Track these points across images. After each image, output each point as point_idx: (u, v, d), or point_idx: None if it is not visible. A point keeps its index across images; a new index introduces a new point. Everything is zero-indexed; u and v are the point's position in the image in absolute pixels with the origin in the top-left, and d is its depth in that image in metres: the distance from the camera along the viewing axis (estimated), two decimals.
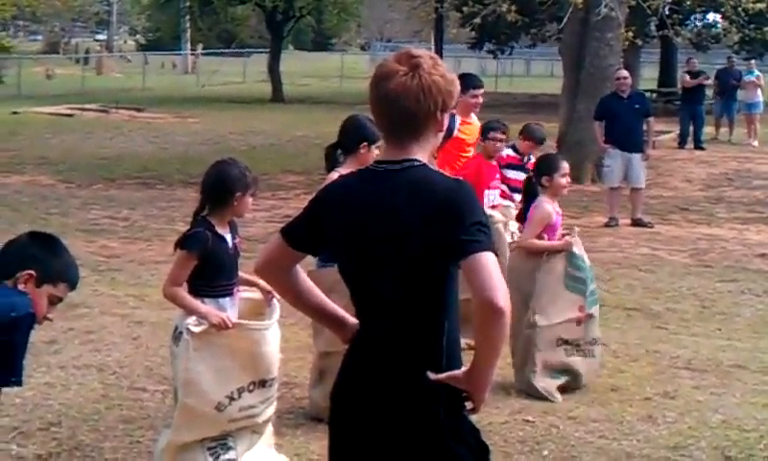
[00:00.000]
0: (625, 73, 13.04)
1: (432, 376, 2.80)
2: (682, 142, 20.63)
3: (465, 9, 22.85)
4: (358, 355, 2.97)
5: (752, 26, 24.01)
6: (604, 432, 5.59)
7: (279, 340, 4.75)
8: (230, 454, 4.69)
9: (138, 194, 14.35)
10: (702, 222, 12.89)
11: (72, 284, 3.36)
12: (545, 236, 6.27)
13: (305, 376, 6.01)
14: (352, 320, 3.05)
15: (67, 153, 18.35)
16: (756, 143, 20.87)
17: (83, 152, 18.62)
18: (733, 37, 24.77)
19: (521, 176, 7.92)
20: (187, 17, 42.23)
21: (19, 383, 3.24)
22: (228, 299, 4.72)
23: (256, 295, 4.85)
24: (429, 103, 2.83)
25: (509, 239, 7.22)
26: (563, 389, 6.20)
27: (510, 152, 8.61)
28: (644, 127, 12.71)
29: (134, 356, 6.75)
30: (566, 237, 6.32)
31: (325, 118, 20.49)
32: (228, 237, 4.74)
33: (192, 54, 48.92)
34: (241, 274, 4.80)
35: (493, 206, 7.41)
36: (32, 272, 3.22)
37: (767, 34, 23.85)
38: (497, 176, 7.81)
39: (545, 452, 5.33)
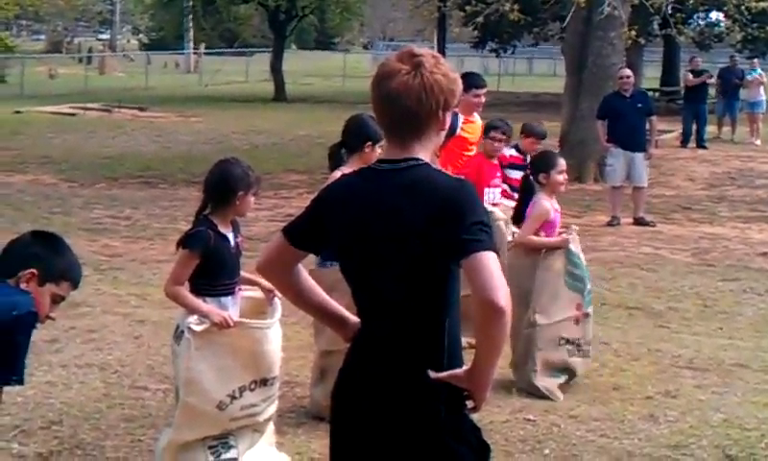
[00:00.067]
0: (628, 72, 13.01)
1: (433, 374, 2.80)
2: (684, 141, 20.59)
3: (467, 8, 22.82)
4: (359, 354, 2.97)
5: (755, 25, 23.93)
6: (605, 431, 5.59)
7: (281, 339, 4.75)
8: (232, 453, 4.69)
9: (141, 193, 14.35)
10: (704, 221, 12.89)
11: (74, 283, 3.37)
12: (543, 233, 6.27)
13: (307, 375, 6.01)
14: (354, 319, 3.05)
15: (70, 152, 18.34)
16: (758, 142, 20.82)
17: (85, 151, 18.61)
18: (736, 36, 24.67)
19: None
20: (190, 17, 42.15)
21: (21, 382, 3.25)
22: (229, 298, 4.72)
23: (258, 294, 4.85)
24: (431, 102, 2.82)
25: (509, 238, 7.21)
26: (563, 388, 6.20)
27: (513, 152, 8.60)
28: (647, 126, 12.70)
29: (136, 355, 6.76)
30: (564, 235, 6.33)
31: (328, 117, 20.51)
32: (231, 236, 4.74)
33: (195, 53, 48.91)
34: (243, 273, 4.81)
35: (494, 204, 7.41)
36: (34, 271, 3.23)
37: None
38: (498, 175, 7.81)
39: (546, 451, 5.33)
